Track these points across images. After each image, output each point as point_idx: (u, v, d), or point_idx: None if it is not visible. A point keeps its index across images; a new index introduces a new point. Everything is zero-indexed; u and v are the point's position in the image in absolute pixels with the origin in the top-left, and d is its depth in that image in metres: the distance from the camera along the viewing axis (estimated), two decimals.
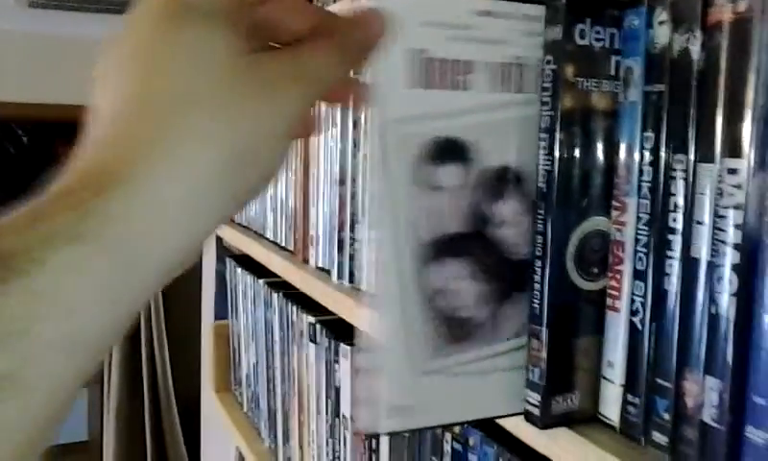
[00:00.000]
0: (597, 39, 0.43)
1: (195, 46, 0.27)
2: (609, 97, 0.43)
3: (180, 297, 2.20)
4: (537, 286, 0.44)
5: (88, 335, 0.25)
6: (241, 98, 0.28)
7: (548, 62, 0.42)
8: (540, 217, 0.43)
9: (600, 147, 0.44)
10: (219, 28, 0.28)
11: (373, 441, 0.76)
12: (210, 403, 1.50)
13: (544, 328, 0.44)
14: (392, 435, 0.45)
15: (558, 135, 0.42)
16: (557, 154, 0.42)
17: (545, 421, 0.44)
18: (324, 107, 0.44)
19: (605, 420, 0.45)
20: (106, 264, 0.25)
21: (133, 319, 0.27)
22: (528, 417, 0.45)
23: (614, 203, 0.43)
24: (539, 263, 0.44)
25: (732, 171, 0.36)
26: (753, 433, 0.35)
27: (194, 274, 1.69)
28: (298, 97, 0.30)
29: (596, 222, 0.44)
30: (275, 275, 1.04)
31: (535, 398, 0.45)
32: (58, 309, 0.24)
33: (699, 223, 0.38)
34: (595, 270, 0.45)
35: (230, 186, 0.28)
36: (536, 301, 0.44)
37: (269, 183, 0.30)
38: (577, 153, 0.43)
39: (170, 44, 0.28)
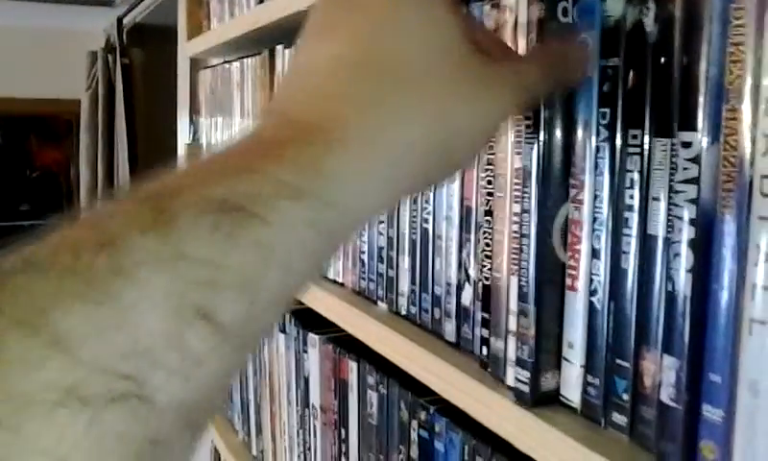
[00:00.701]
0: None
1: (427, 25, 0.28)
2: None
3: None
4: (524, 265, 0.43)
5: (287, 295, 0.24)
6: (459, 86, 0.28)
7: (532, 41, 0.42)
8: (526, 196, 0.43)
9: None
10: (451, 16, 0.28)
11: (342, 430, 0.75)
12: None
13: (532, 306, 0.43)
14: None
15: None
16: (542, 135, 0.42)
17: (535, 398, 0.44)
18: None
19: (566, 402, 0.44)
20: (319, 222, 0.24)
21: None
22: (518, 395, 0.45)
23: (572, 181, 0.42)
24: (525, 241, 0.43)
25: (687, 144, 0.35)
26: (709, 411, 0.34)
27: None
28: (509, 102, 0.30)
29: None
30: None
31: (524, 375, 0.44)
32: (279, 265, 0.23)
33: (655, 199, 0.37)
34: None
35: (426, 166, 0.28)
36: (524, 278, 0.44)
37: (454, 174, 0.30)
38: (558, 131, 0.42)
39: (403, 17, 0.27)
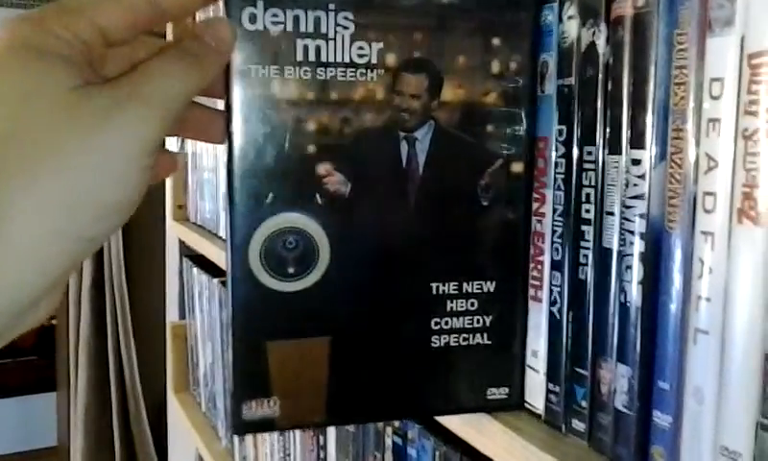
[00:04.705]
0: None
1: (25, 86, 0.26)
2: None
3: (147, 297, 2.18)
4: None
5: None
6: (72, 134, 0.26)
7: None
8: None
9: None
10: (53, 65, 0.27)
11: (321, 437, 0.76)
12: (173, 405, 1.49)
13: None
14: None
15: None
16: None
17: None
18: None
19: (531, 408, 0.46)
20: None
21: None
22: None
23: (535, 195, 0.44)
24: None
25: (636, 162, 0.36)
26: (659, 417, 0.36)
27: (161, 274, 1.68)
28: (141, 119, 0.28)
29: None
30: None
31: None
32: None
33: (609, 213, 0.39)
34: None
35: (72, 225, 0.27)
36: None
37: (132, 206, 0.29)
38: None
39: (3, 84, 0.27)
